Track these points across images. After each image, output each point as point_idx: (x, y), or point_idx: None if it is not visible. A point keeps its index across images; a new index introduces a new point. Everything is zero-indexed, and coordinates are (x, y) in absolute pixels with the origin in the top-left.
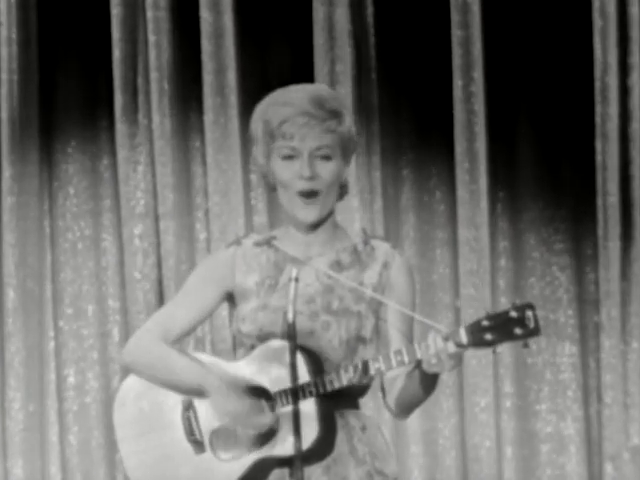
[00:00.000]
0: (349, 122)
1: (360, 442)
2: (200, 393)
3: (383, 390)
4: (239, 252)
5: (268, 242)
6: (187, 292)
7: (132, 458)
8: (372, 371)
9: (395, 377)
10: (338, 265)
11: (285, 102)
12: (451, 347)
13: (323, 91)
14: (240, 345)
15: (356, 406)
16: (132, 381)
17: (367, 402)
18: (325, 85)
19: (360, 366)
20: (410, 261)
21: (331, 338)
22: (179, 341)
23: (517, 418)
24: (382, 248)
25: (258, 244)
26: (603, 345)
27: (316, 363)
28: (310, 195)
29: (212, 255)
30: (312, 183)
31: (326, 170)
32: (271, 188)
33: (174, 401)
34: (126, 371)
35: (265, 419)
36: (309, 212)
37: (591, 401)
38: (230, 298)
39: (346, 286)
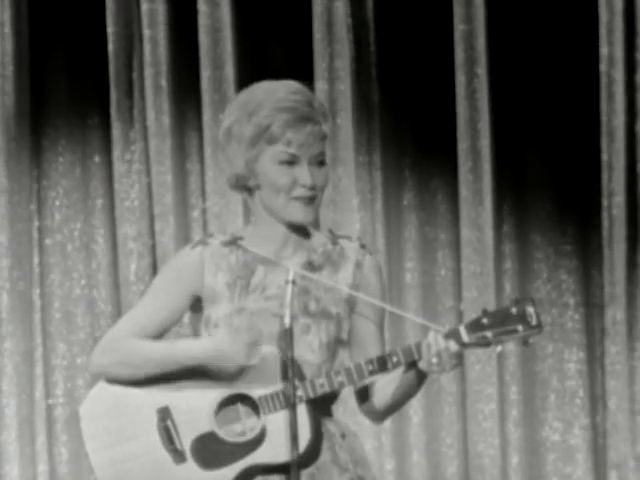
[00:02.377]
0: (330, 122)
1: (342, 449)
2: (201, 366)
3: (361, 394)
4: (206, 252)
5: (234, 243)
6: (154, 296)
7: (106, 470)
8: (366, 374)
9: (375, 380)
10: (310, 266)
11: (284, 107)
12: (453, 346)
13: (306, 90)
14: None
15: (330, 413)
16: (100, 390)
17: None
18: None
19: (351, 369)
20: (380, 259)
21: (310, 342)
22: None
23: (523, 426)
24: (352, 247)
25: (226, 244)
26: (608, 350)
27: (297, 368)
28: (309, 200)
29: (177, 256)
30: (313, 191)
31: (321, 175)
32: (245, 190)
33: (148, 410)
34: (95, 378)
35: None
36: (307, 214)
37: (598, 409)
38: (196, 303)
39: (322, 287)
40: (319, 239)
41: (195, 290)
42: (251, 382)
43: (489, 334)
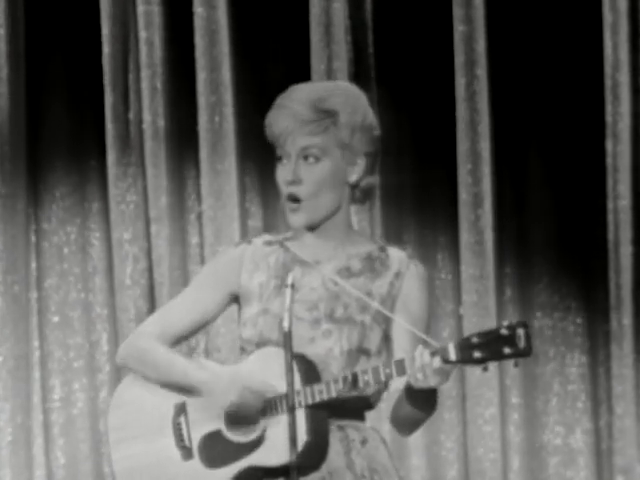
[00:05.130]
0: (347, 120)
1: (359, 456)
2: (192, 392)
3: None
4: (248, 251)
5: (280, 242)
6: (191, 291)
7: (122, 462)
8: (360, 383)
9: (396, 391)
10: (347, 271)
11: (279, 105)
12: (437, 362)
13: (324, 90)
14: (243, 351)
15: (359, 418)
16: (128, 383)
17: (368, 413)
18: (338, 82)
19: (349, 378)
20: (423, 270)
21: (332, 347)
22: (180, 342)
23: (524, 430)
24: (397, 257)
25: (269, 243)
26: (614, 354)
27: (312, 372)
28: (295, 200)
29: (221, 253)
30: (294, 188)
31: (311, 173)
32: None
33: (167, 406)
34: (122, 371)
35: (254, 427)
36: (296, 217)
37: (601, 413)
38: (237, 301)
39: (352, 294)
40: (364, 245)
41: (233, 288)
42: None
43: (477, 354)
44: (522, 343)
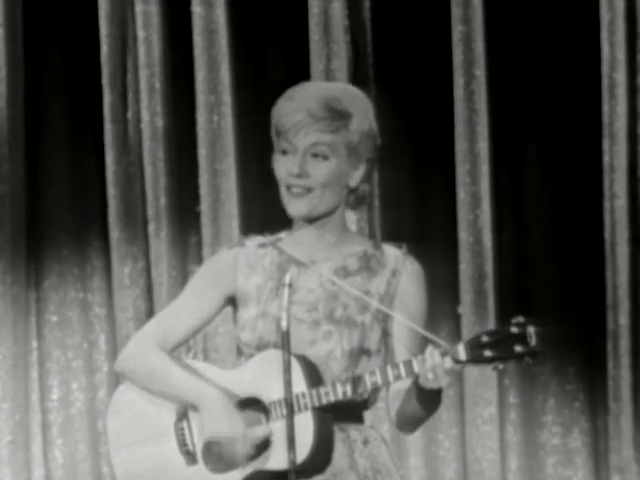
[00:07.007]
0: (358, 125)
1: (361, 456)
2: (193, 407)
3: (388, 403)
4: (242, 253)
5: (273, 243)
6: (187, 295)
7: (123, 467)
8: (368, 385)
9: (399, 390)
10: (344, 271)
11: (290, 97)
12: (448, 363)
13: (337, 91)
14: (241, 354)
15: (359, 419)
16: (126, 388)
17: (367, 414)
18: (348, 85)
19: (356, 379)
20: (419, 268)
21: (332, 348)
22: (179, 346)
23: (522, 430)
24: (393, 255)
25: (262, 245)
26: (611, 354)
27: (315, 374)
28: (301, 192)
29: (214, 257)
30: (301, 181)
31: (319, 169)
32: None
33: (168, 410)
34: (121, 378)
35: (259, 432)
36: (299, 205)
37: (599, 412)
38: (233, 303)
39: (351, 294)
40: (359, 245)
41: (229, 291)
42: (268, 386)
43: (488, 353)
44: (533, 341)
